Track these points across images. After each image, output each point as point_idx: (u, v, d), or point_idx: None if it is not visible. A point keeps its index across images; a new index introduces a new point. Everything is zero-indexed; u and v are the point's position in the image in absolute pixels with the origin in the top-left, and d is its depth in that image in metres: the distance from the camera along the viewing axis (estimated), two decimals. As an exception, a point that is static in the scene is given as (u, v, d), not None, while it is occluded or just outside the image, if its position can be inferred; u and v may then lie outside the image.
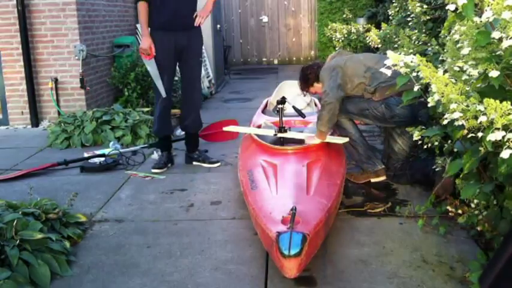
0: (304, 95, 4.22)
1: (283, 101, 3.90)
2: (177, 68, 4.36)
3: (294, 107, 4.03)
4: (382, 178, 3.82)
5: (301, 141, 3.72)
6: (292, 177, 3.01)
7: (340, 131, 3.83)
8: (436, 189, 3.19)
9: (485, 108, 1.80)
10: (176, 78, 7.11)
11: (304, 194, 2.79)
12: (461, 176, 2.48)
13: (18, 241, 2.61)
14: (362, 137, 3.83)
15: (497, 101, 1.75)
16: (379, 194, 3.66)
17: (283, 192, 2.83)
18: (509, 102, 1.75)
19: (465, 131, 2.04)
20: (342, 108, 3.68)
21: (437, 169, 2.99)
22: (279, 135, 3.81)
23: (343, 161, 3.50)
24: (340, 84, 3.60)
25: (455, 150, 2.69)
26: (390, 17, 5.91)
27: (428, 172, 3.49)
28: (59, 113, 6.25)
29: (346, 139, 3.63)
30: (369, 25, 7.85)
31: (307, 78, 3.98)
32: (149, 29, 4.14)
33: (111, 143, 5.05)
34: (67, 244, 2.85)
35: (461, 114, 1.93)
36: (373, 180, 3.81)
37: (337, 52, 3.99)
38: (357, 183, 3.84)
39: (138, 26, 8.19)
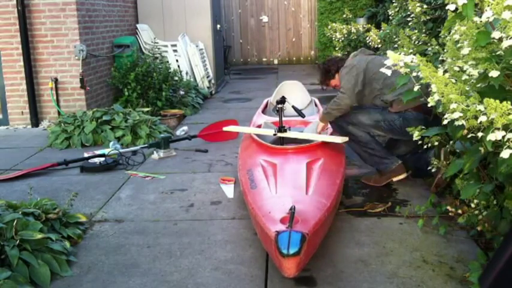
0: (324, 89, 4.20)
1: (283, 100, 3.90)
2: None
3: (293, 107, 4.02)
4: (403, 175, 3.71)
5: (301, 141, 3.72)
6: (292, 177, 3.00)
7: (349, 137, 3.73)
8: (436, 181, 3.34)
9: (485, 108, 1.80)
10: (176, 78, 7.15)
11: (304, 194, 2.79)
12: (461, 176, 2.48)
13: (18, 241, 2.62)
14: (372, 137, 3.73)
15: (497, 101, 1.75)
16: (379, 194, 3.66)
17: (283, 191, 2.83)
18: (509, 102, 1.75)
19: (465, 131, 2.04)
20: (354, 120, 3.67)
21: (432, 167, 3.03)
22: (279, 135, 3.81)
23: (343, 161, 3.49)
24: (357, 89, 3.59)
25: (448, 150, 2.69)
26: (390, 17, 5.91)
27: (421, 166, 3.62)
28: (59, 113, 6.25)
29: (346, 139, 3.61)
30: (369, 25, 7.85)
31: (329, 71, 3.94)
32: None
33: (111, 143, 5.05)
34: (67, 244, 2.85)
35: (461, 114, 1.93)
36: (394, 179, 3.73)
37: (360, 50, 3.92)
38: (378, 186, 3.78)
39: (138, 26, 8.20)
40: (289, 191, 2.80)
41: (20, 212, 2.87)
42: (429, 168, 3.06)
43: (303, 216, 2.43)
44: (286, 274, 2.27)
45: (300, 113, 4.00)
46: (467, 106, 1.91)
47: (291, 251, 2.20)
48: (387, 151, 3.77)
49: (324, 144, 3.54)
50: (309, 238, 2.27)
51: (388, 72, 2.40)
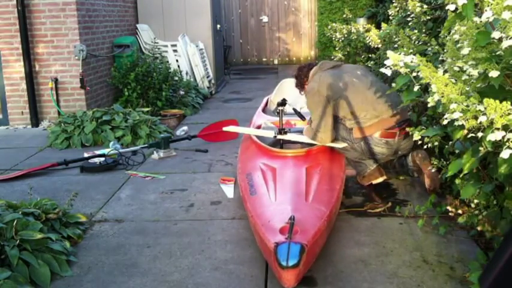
0: (302, 94, 4.09)
1: (283, 103, 3.89)
2: None
3: (294, 109, 4.02)
4: (381, 179, 3.68)
5: (300, 143, 3.71)
6: (292, 183, 2.98)
7: None
8: (428, 183, 3.37)
9: (485, 108, 1.80)
10: (176, 78, 7.14)
11: (303, 201, 2.77)
12: (461, 176, 2.48)
13: (18, 241, 2.62)
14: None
15: (497, 101, 1.75)
16: (379, 194, 3.65)
17: (282, 198, 2.81)
18: (509, 102, 1.75)
19: (465, 131, 2.04)
20: None
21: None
22: (279, 137, 3.80)
23: (343, 165, 3.47)
24: (329, 123, 3.46)
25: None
26: (390, 17, 5.90)
27: (407, 170, 3.67)
28: (59, 113, 6.25)
29: (345, 144, 3.59)
30: (369, 25, 7.85)
31: (305, 75, 3.83)
32: None
33: (111, 143, 5.05)
34: (67, 244, 2.85)
35: (461, 114, 1.93)
36: (374, 182, 3.76)
37: (319, 66, 3.76)
38: (361, 184, 3.80)
39: (138, 26, 8.20)
40: (289, 198, 2.78)
41: (20, 212, 2.87)
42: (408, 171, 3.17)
43: (302, 226, 2.42)
44: (285, 286, 2.27)
45: (300, 115, 3.99)
46: (467, 106, 1.91)
47: (290, 263, 2.20)
48: (364, 156, 3.67)
49: (324, 148, 3.52)
50: (308, 249, 2.26)
51: (388, 73, 2.40)
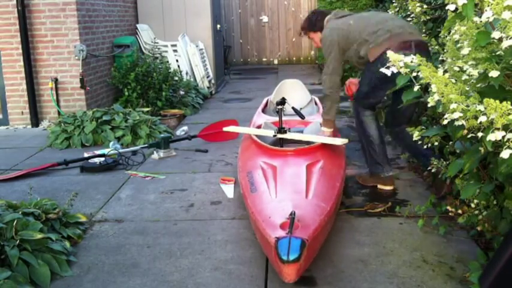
0: (301, 35, 4.12)
1: (283, 101, 3.89)
2: None
3: (293, 108, 4.01)
4: (389, 188, 3.71)
5: (300, 141, 3.72)
6: (292, 180, 2.99)
7: (360, 128, 3.75)
8: (440, 190, 3.38)
9: (485, 108, 1.79)
10: (176, 78, 7.14)
11: (304, 198, 2.78)
12: (461, 176, 2.48)
13: (18, 241, 2.62)
14: (380, 139, 3.69)
15: (497, 101, 1.75)
16: (380, 194, 3.66)
17: (283, 195, 2.81)
18: (509, 102, 1.75)
19: (465, 131, 2.04)
20: (364, 100, 3.65)
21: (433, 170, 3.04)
22: (279, 136, 3.80)
23: (343, 163, 3.48)
24: (336, 67, 3.62)
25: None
26: (390, 17, 5.90)
27: (409, 143, 3.52)
28: (59, 113, 6.25)
29: (346, 140, 3.58)
30: (369, 25, 7.84)
31: (314, 24, 3.87)
32: None
33: (111, 143, 5.05)
34: (67, 244, 2.85)
35: (461, 114, 1.93)
36: (379, 186, 3.74)
37: (333, 13, 3.83)
38: (363, 185, 3.81)
39: (138, 26, 8.20)
40: (289, 195, 2.79)
41: (20, 212, 2.87)
42: (429, 168, 3.09)
43: (303, 221, 2.43)
44: (286, 280, 2.27)
45: (299, 114, 3.99)
46: (467, 106, 1.91)
47: (291, 258, 2.21)
48: (387, 160, 3.71)
49: (324, 145, 3.53)
50: (308, 244, 2.27)
51: (388, 73, 2.40)
